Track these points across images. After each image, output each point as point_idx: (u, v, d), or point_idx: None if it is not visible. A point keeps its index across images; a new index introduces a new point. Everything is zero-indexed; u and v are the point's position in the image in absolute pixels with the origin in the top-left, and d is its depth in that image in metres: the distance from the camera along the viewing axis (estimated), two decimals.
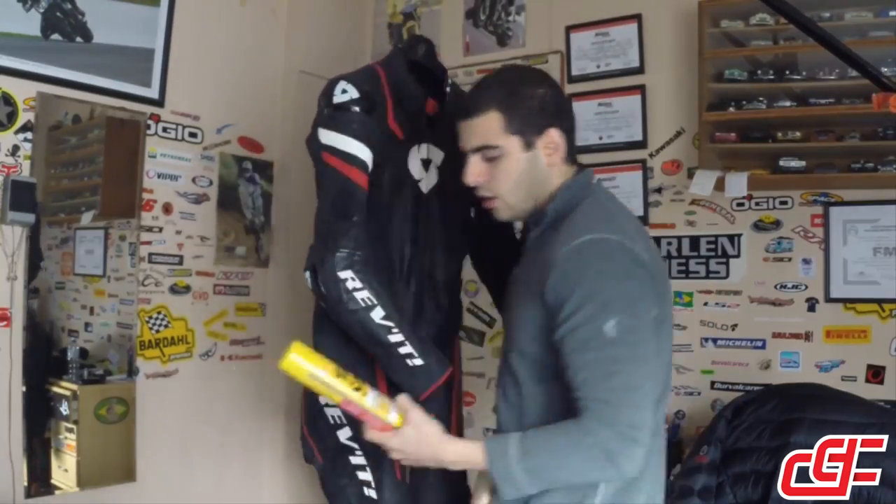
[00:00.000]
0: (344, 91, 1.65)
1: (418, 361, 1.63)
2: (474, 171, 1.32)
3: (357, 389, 1.22)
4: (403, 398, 1.28)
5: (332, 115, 1.65)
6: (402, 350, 1.61)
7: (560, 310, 1.17)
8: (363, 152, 1.64)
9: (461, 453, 1.23)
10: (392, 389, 1.72)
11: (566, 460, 1.14)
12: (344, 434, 1.74)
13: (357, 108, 1.64)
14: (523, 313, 1.28)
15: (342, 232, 1.60)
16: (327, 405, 1.74)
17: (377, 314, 1.59)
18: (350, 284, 1.58)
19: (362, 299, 1.59)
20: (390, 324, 1.60)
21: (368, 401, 1.22)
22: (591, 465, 1.14)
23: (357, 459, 1.73)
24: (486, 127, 1.28)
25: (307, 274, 1.62)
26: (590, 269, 1.16)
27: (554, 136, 1.29)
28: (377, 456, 1.68)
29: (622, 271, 1.18)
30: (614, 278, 1.17)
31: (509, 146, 1.28)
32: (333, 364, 1.23)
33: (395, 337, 1.61)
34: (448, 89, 1.82)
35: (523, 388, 1.29)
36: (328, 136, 1.64)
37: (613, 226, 1.23)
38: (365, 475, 1.72)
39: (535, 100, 1.29)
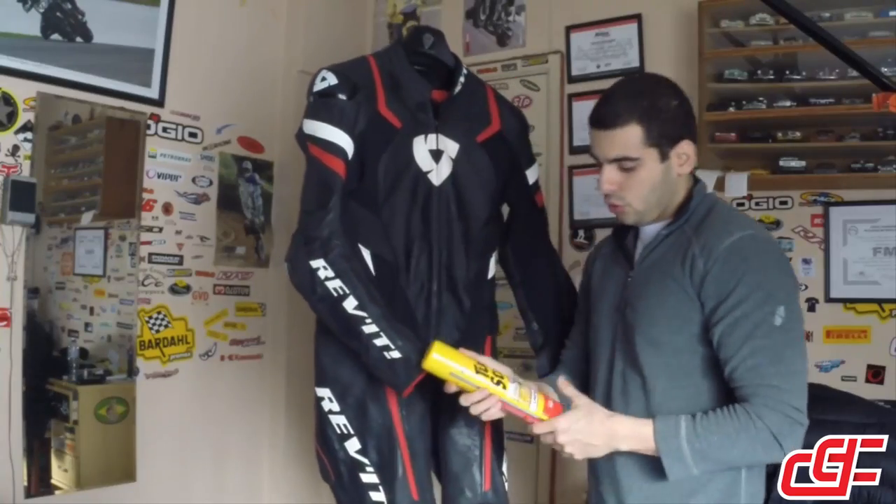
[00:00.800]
0: (323, 79, 1.63)
1: (395, 354, 1.51)
2: (610, 180, 1.35)
3: (498, 383, 1.28)
4: (562, 381, 1.35)
5: (312, 104, 1.64)
6: (378, 342, 1.52)
7: (724, 300, 1.23)
8: (341, 138, 1.61)
9: (633, 430, 1.25)
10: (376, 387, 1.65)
11: (736, 443, 1.18)
12: (352, 446, 1.63)
13: (336, 94, 1.62)
14: (663, 305, 1.30)
15: (314, 221, 1.58)
16: (331, 412, 1.65)
17: (349, 304, 1.53)
18: (322, 274, 1.54)
19: (334, 289, 1.53)
20: (363, 314, 1.52)
21: (509, 393, 1.28)
22: (759, 447, 1.18)
23: (368, 478, 1.61)
24: (626, 139, 1.31)
25: (286, 265, 1.60)
26: (753, 262, 1.24)
27: (686, 147, 1.35)
28: (390, 473, 1.60)
29: (779, 264, 1.28)
30: (775, 270, 1.26)
31: (647, 158, 1.32)
32: (474, 360, 1.29)
33: (369, 328, 1.52)
34: (462, 79, 1.76)
35: (654, 382, 1.32)
36: (310, 126, 1.62)
37: (757, 225, 1.36)
38: (378, 495, 1.60)
39: (671, 112, 1.33)
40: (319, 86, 1.63)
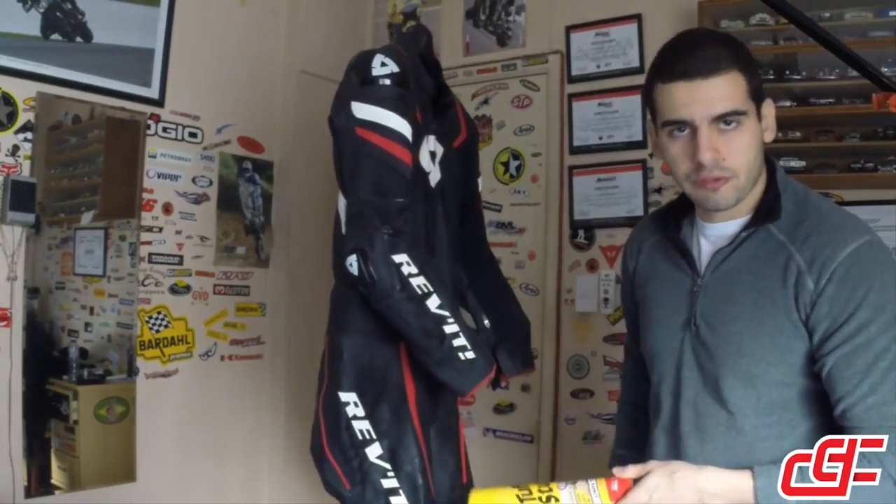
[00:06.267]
0: (384, 64, 1.53)
1: (470, 355, 1.47)
2: (712, 145, 1.05)
3: (549, 499, 1.09)
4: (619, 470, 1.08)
5: (369, 88, 1.52)
6: (457, 342, 1.47)
7: (842, 325, 1.00)
8: (404, 127, 1.51)
9: (727, 485, 1.03)
10: (420, 394, 1.62)
11: (852, 498, 0.98)
12: (373, 452, 1.55)
13: (400, 83, 1.53)
14: (757, 333, 1.07)
15: (392, 211, 1.46)
16: (355, 417, 1.56)
17: (433, 303, 1.45)
18: (405, 269, 1.43)
19: (418, 286, 1.43)
20: (445, 313, 1.46)
21: (564, 499, 1.09)
22: (878, 498, 0.99)
23: (390, 483, 1.54)
24: (731, 89, 1.04)
25: (353, 258, 1.44)
26: (877, 278, 1.01)
27: (770, 108, 1.10)
28: (412, 476, 1.56)
29: None
30: None
31: (751, 114, 1.06)
32: (514, 490, 1.10)
33: (450, 328, 1.46)
34: (444, 84, 1.79)
35: (743, 420, 1.09)
36: (365, 110, 1.51)
37: (869, 227, 1.07)
38: (399, 500, 1.53)
39: (756, 65, 1.09)
40: (380, 70, 1.53)
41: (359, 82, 1.54)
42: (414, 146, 1.59)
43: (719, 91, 1.04)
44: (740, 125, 1.05)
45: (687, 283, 1.16)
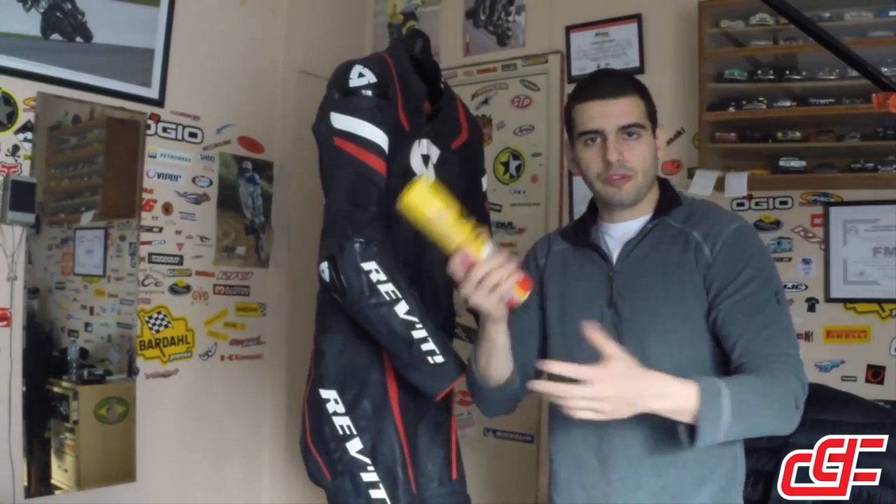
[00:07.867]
0: (361, 75, 1.58)
1: (440, 359, 1.53)
2: (618, 149, 1.35)
3: (477, 238, 1.20)
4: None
5: (347, 99, 1.57)
6: (425, 347, 1.52)
7: (733, 279, 1.28)
8: (380, 137, 1.56)
9: (671, 387, 1.13)
10: (403, 392, 1.67)
11: (769, 406, 1.17)
12: (354, 446, 1.61)
13: (376, 93, 1.57)
14: (668, 294, 1.32)
15: (362, 221, 1.51)
16: (336, 413, 1.63)
17: (401, 308, 1.50)
18: (374, 277, 1.49)
19: (386, 293, 1.49)
20: (414, 319, 1.51)
21: (484, 254, 1.19)
22: (784, 413, 1.18)
23: (369, 476, 1.60)
24: (633, 108, 1.37)
25: (324, 266, 1.51)
26: (757, 247, 1.34)
27: (661, 134, 1.43)
28: (392, 470, 1.61)
29: (769, 255, 1.39)
30: (769, 259, 1.36)
31: (649, 130, 1.39)
32: (457, 207, 1.18)
33: (419, 333, 1.52)
34: (442, 85, 1.81)
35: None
36: (342, 121, 1.56)
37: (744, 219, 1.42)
38: (379, 493, 1.59)
39: (651, 98, 1.43)
40: (357, 82, 1.58)
41: (337, 93, 1.59)
42: (401, 152, 1.64)
43: (624, 108, 1.35)
44: (640, 137, 1.37)
45: (602, 272, 1.39)
